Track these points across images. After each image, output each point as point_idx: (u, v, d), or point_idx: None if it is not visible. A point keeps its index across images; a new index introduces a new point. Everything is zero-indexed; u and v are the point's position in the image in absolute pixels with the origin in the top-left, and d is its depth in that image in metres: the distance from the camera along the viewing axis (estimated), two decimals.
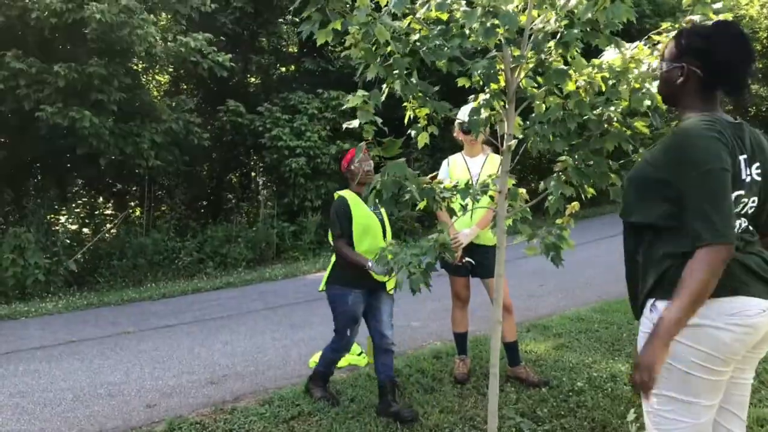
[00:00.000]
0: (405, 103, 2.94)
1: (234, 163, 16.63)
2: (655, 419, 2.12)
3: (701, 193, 1.98)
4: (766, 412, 3.98)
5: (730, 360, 2.04)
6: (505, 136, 2.97)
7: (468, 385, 4.72)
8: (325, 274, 4.58)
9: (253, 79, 17.77)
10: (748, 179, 2.10)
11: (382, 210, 4.59)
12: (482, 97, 2.98)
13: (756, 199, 2.14)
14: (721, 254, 1.94)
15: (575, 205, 3.11)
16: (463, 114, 4.76)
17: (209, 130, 14.11)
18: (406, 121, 2.96)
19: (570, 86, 2.84)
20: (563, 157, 2.79)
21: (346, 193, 4.52)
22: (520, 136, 2.96)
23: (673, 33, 2.53)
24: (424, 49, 2.73)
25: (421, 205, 2.88)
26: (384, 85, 2.76)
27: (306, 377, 4.80)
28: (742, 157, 2.08)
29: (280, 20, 17.08)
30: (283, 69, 18.37)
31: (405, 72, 2.65)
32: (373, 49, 2.59)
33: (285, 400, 4.51)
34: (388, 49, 2.66)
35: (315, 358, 5.21)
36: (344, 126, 2.68)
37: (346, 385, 4.80)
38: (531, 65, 2.88)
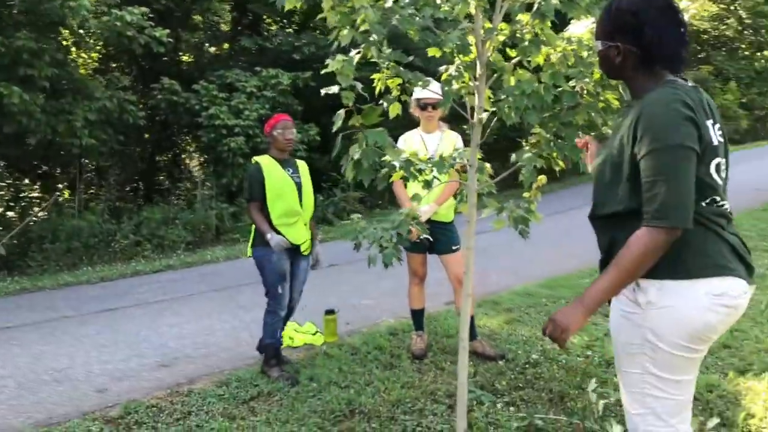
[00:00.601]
0: (374, 75, 2.89)
1: (169, 142, 16.19)
2: (641, 399, 2.10)
3: (653, 169, 1.92)
4: (714, 378, 4.14)
5: (710, 339, 2.05)
6: (476, 109, 2.96)
7: (426, 361, 4.74)
8: (250, 239, 4.72)
9: (186, 57, 17.29)
10: (717, 142, 2.02)
11: (303, 174, 4.79)
12: (452, 68, 2.95)
13: (725, 161, 2.08)
14: (662, 237, 1.90)
15: (543, 178, 3.13)
16: (420, 90, 4.75)
17: (142, 108, 13.66)
18: (376, 93, 2.91)
19: (539, 59, 2.84)
20: (537, 130, 2.80)
21: (263, 159, 4.71)
22: (492, 109, 2.94)
23: None
24: (397, 16, 2.68)
25: (396, 176, 2.84)
26: (353, 51, 2.70)
27: (260, 359, 4.74)
28: (708, 123, 1.99)
29: None
30: (216, 48, 17.95)
31: (381, 39, 2.60)
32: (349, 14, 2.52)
33: (243, 381, 4.43)
34: (361, 16, 2.59)
35: None
36: (323, 92, 2.61)
37: (303, 364, 4.75)
38: (502, 38, 2.86)
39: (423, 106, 4.72)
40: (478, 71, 2.92)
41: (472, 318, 4.87)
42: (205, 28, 17.29)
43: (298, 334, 5.39)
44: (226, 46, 17.84)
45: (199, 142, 13.93)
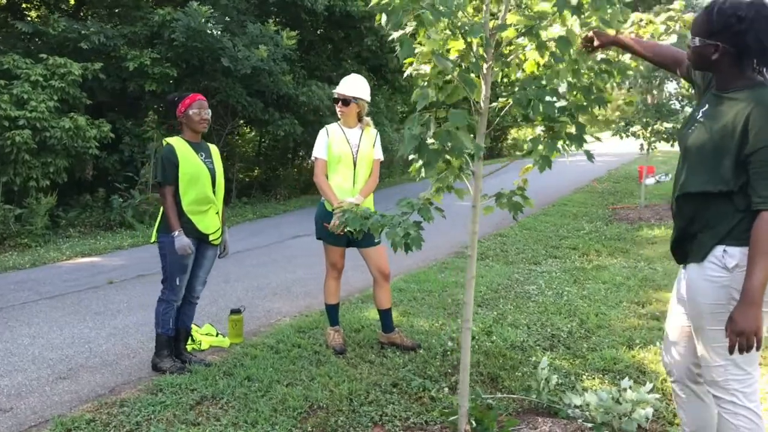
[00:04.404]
0: (408, 59, 2.93)
1: None
2: (723, 352, 2.37)
3: None
4: (610, 353, 4.69)
5: None
6: (482, 99, 3.12)
7: (350, 354, 4.78)
8: (156, 224, 4.55)
9: None
10: None
11: (215, 159, 4.68)
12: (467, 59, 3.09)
13: None
14: None
15: (530, 166, 3.37)
16: (340, 85, 4.79)
17: None
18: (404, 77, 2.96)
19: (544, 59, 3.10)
20: (564, 119, 3.02)
21: (176, 141, 4.52)
22: (502, 100, 3.14)
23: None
24: (426, 2, 2.77)
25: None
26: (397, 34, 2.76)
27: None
28: None
29: None
30: None
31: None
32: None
33: (176, 387, 4.13)
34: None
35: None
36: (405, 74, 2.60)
37: (229, 365, 4.52)
38: (512, 34, 3.07)
39: (335, 100, 4.82)
40: (486, 64, 3.08)
41: (390, 311, 5.02)
42: None
43: (202, 336, 5.10)
44: None
45: None
